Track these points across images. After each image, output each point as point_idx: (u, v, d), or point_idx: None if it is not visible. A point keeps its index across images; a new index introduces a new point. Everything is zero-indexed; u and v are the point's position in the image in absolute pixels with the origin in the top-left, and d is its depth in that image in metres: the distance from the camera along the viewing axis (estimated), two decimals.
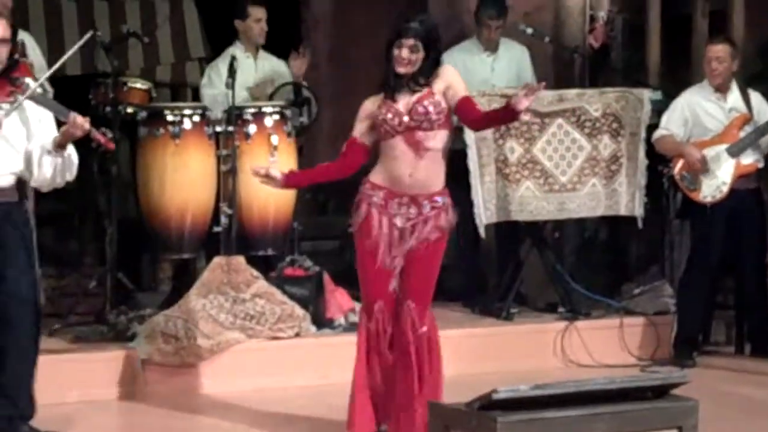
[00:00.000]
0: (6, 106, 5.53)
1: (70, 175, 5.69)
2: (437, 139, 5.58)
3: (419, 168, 5.57)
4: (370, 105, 5.69)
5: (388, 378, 5.70)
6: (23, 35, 6.93)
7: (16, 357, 5.62)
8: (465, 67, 8.10)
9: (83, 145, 6.40)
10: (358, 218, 5.66)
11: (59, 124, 5.70)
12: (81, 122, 5.53)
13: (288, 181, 5.79)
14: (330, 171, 5.85)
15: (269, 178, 5.72)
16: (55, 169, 5.59)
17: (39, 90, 5.76)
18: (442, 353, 5.80)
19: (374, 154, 5.75)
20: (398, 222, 5.62)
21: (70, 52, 5.76)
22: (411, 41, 5.54)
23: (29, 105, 5.59)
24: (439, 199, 5.64)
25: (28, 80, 5.60)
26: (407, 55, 5.54)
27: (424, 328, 5.69)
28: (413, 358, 5.65)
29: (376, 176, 5.66)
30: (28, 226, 5.69)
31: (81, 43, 5.88)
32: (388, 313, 5.68)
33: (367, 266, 5.68)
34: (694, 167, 7.39)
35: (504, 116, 5.67)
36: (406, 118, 5.55)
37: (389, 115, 5.56)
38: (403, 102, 5.60)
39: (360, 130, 5.68)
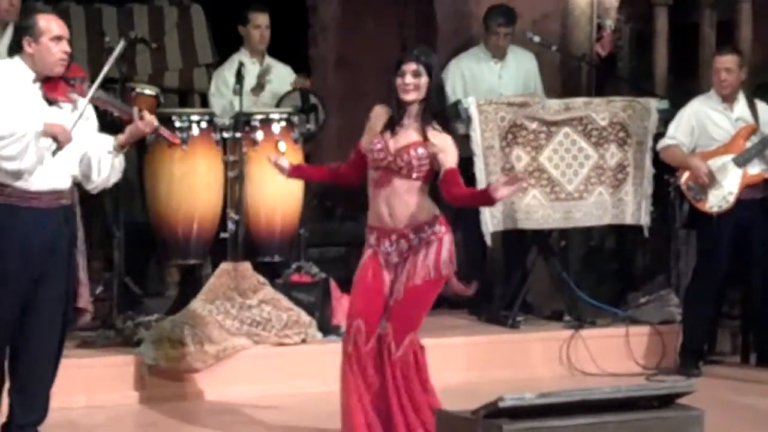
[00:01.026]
0: (65, 105, 5.50)
1: (119, 175, 5.70)
2: (410, 186, 5.51)
3: (395, 205, 5.53)
4: (379, 120, 5.61)
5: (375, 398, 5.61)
6: None
7: (39, 368, 5.60)
8: (472, 75, 8.13)
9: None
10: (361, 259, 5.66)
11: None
12: (151, 119, 5.58)
13: (293, 172, 5.88)
14: (332, 174, 5.89)
15: (278, 166, 5.82)
16: (112, 169, 5.59)
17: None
18: (425, 375, 5.67)
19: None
20: (394, 258, 5.58)
21: (116, 53, 5.70)
22: (413, 66, 5.47)
23: (82, 105, 5.54)
24: (427, 228, 5.55)
25: (78, 80, 5.55)
26: (411, 80, 5.47)
27: (399, 353, 5.56)
28: (389, 383, 5.57)
29: (370, 218, 5.63)
30: (77, 227, 5.67)
31: (121, 46, 5.80)
32: (366, 335, 5.57)
33: (356, 294, 5.64)
34: (701, 181, 7.38)
35: (481, 199, 5.82)
36: (390, 158, 5.50)
37: (377, 147, 5.52)
38: (401, 138, 5.51)
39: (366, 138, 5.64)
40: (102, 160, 5.56)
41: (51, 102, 5.49)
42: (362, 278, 5.62)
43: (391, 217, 5.53)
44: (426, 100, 5.51)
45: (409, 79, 5.47)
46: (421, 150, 5.47)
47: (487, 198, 5.41)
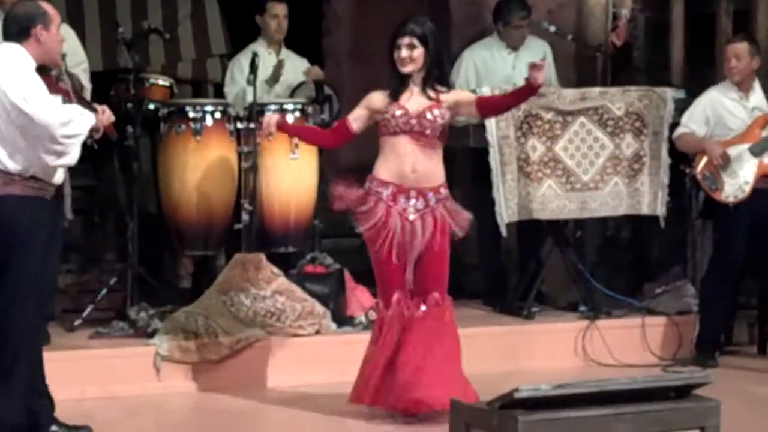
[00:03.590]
0: (59, 98, 5.45)
1: None
2: (433, 145, 6.02)
3: (419, 165, 5.98)
4: (376, 98, 6.06)
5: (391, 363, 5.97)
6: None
7: (41, 357, 5.64)
8: (485, 65, 8.10)
9: (105, 141, 6.41)
10: (369, 215, 6.00)
11: None
12: (109, 114, 5.59)
13: (281, 125, 6.43)
14: (316, 136, 6.51)
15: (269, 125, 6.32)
16: None
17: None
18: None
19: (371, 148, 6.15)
20: (410, 215, 5.98)
21: None
22: (406, 39, 5.93)
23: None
24: (443, 190, 6.06)
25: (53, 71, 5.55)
26: (407, 54, 5.92)
27: (448, 317, 6.09)
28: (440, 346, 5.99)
29: (382, 172, 6.04)
30: None
31: None
32: (404, 303, 6.01)
33: (383, 260, 5.99)
34: (716, 162, 7.34)
35: (525, 92, 6.09)
36: (413, 121, 5.96)
37: (398, 112, 5.95)
38: (414, 105, 5.98)
39: (356, 114, 6.12)
40: None
41: None
42: (386, 250, 5.94)
43: (414, 174, 5.96)
44: (424, 69, 5.97)
45: (404, 52, 5.93)
46: (437, 111, 5.98)
47: (531, 88, 5.96)
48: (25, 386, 5.41)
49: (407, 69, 5.94)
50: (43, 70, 5.39)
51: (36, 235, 5.34)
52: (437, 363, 5.94)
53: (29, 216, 5.32)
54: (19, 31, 5.36)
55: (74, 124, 5.28)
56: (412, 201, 5.98)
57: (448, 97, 6.05)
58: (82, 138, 5.34)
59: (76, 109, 5.38)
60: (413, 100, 6.00)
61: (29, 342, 5.43)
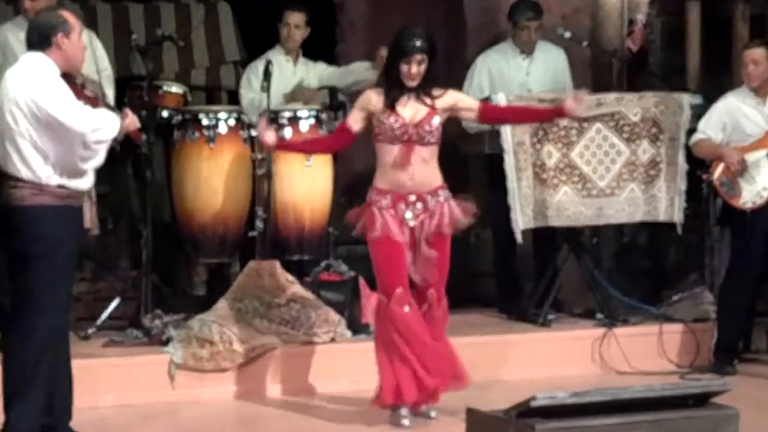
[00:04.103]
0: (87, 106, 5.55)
1: None
2: (431, 151, 6.11)
3: (417, 172, 6.08)
4: (373, 99, 6.14)
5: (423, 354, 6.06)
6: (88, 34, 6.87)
7: (68, 364, 5.67)
8: (499, 71, 8.09)
9: (120, 147, 6.41)
10: (369, 222, 6.09)
11: None
12: (134, 118, 5.67)
13: (279, 145, 6.52)
14: (319, 145, 6.80)
15: (268, 140, 6.27)
16: None
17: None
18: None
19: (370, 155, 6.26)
20: (409, 220, 6.09)
21: None
22: (419, 57, 6.02)
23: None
24: (441, 192, 6.15)
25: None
26: (417, 70, 6.04)
27: (440, 311, 6.22)
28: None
29: (380, 182, 6.14)
30: None
31: None
32: (407, 298, 6.08)
33: (382, 261, 6.11)
34: (733, 168, 7.31)
35: (551, 115, 6.41)
36: (411, 130, 6.05)
37: (397, 124, 6.05)
38: (410, 112, 6.07)
39: (354, 117, 6.20)
40: None
41: None
42: (385, 252, 6.08)
43: (413, 181, 6.07)
44: (423, 80, 6.09)
45: (415, 68, 6.04)
46: (435, 120, 6.08)
47: (559, 113, 6.21)
48: (44, 391, 5.43)
49: (415, 83, 6.06)
50: (67, 77, 5.45)
51: (63, 244, 5.39)
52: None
53: (58, 225, 5.36)
54: (40, 40, 5.43)
55: (104, 129, 5.38)
56: (411, 206, 6.08)
57: (444, 101, 6.12)
58: (110, 141, 5.44)
59: (103, 113, 5.47)
60: (409, 106, 6.08)
61: (52, 348, 5.46)
